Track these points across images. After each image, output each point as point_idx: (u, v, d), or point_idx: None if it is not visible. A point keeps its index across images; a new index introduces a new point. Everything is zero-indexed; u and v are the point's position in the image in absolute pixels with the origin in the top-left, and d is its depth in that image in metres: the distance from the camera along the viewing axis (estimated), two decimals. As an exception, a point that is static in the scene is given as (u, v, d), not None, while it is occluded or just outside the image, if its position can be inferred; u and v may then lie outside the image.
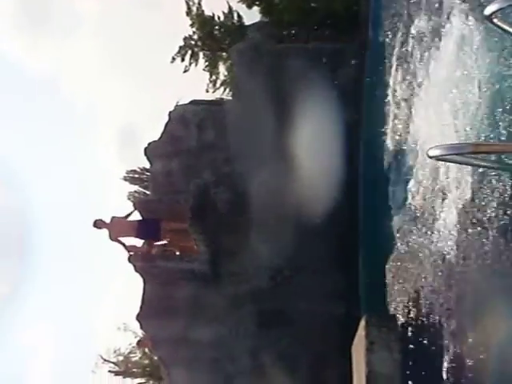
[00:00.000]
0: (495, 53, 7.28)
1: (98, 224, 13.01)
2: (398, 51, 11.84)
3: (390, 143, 11.80)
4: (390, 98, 12.08)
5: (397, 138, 11.42)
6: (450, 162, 2.54)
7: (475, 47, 7.80)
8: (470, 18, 8.15)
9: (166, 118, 14.69)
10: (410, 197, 10.15)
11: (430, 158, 2.83)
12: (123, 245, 13.22)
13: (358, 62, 13.85)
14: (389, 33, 12.56)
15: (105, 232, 13.06)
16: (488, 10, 2.60)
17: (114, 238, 13.07)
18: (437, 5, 9.91)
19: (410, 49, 11.29)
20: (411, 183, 10.19)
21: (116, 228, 13.04)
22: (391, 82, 12.17)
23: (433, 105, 9.48)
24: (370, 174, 12.89)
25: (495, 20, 2.75)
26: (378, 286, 11.29)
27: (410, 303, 9.10)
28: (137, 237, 13.39)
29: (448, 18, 9.20)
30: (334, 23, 14.44)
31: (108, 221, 13.07)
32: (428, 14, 10.38)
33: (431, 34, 10.07)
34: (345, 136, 12.83)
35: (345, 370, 9.03)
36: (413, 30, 11.14)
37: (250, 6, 15.93)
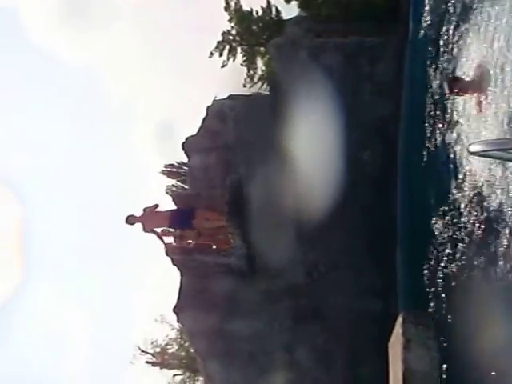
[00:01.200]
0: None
1: (130, 220, 13.15)
2: (440, 45, 11.60)
3: (429, 138, 11.60)
4: (431, 92, 11.86)
5: (437, 133, 11.22)
6: (491, 157, 2.51)
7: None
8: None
9: (204, 113, 14.81)
10: (450, 193, 9.98)
11: (471, 154, 2.78)
12: (158, 235, 13.33)
13: (398, 56, 13.65)
14: (430, 26, 12.33)
15: (138, 226, 13.21)
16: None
17: (148, 229, 13.20)
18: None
19: (452, 42, 11.06)
20: (452, 179, 10.01)
21: (149, 219, 13.13)
22: (432, 77, 11.95)
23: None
24: (408, 170, 12.71)
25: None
26: (416, 284, 11.15)
27: (448, 301, 8.97)
28: (170, 226, 13.45)
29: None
30: (372, 16, 14.22)
31: (140, 214, 13.18)
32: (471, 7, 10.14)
33: (474, 28, 9.84)
34: (383, 130, 12.68)
35: (381, 368, 8.95)
36: (456, 24, 10.91)
37: (288, 1, 15.87)
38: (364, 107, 12.76)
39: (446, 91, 7.69)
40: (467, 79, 7.99)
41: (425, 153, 11.34)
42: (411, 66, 13.23)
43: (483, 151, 2.67)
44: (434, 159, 10.84)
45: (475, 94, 7.56)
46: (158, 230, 13.41)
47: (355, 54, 13.90)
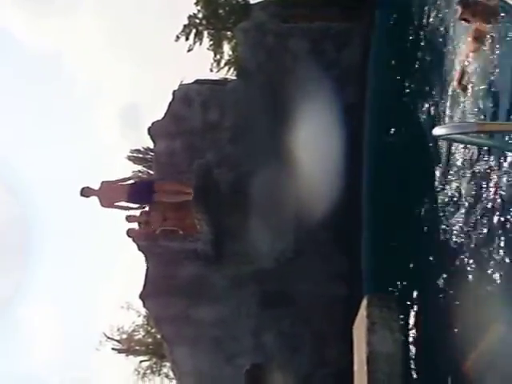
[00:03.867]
0: None
1: (86, 192, 12.38)
2: (407, 32, 11.70)
3: (395, 127, 11.74)
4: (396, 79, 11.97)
5: (403, 120, 11.35)
6: (454, 141, 2.53)
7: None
8: None
9: (170, 98, 14.63)
10: (416, 177, 10.13)
11: (435, 137, 2.80)
12: (118, 207, 12.85)
13: (365, 42, 13.72)
14: (397, 13, 12.42)
15: (95, 200, 12.49)
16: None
17: (105, 204, 12.59)
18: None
19: (418, 30, 11.17)
20: (418, 165, 10.16)
21: (106, 193, 12.42)
22: (397, 64, 12.06)
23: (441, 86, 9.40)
24: (374, 159, 12.84)
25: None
26: (381, 267, 11.33)
27: (412, 283, 9.14)
28: (129, 201, 12.82)
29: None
30: (339, 3, 14.25)
31: (97, 187, 12.50)
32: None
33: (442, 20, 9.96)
34: (347, 117, 12.73)
35: (346, 350, 9.10)
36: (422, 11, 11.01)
37: (254, -15, 15.75)
38: (329, 93, 12.78)
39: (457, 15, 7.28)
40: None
41: (391, 139, 11.47)
42: (377, 51, 13.32)
43: (446, 134, 2.69)
44: (399, 144, 10.97)
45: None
46: (118, 203, 12.87)
47: (321, 40, 13.92)
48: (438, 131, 2.73)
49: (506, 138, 2.96)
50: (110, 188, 12.56)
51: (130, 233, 13.14)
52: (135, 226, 13.61)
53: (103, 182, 12.66)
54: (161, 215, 13.34)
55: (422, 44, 10.95)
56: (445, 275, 8.06)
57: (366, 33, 13.87)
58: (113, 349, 22.43)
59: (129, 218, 13.50)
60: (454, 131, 2.81)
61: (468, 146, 6.51)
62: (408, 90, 11.23)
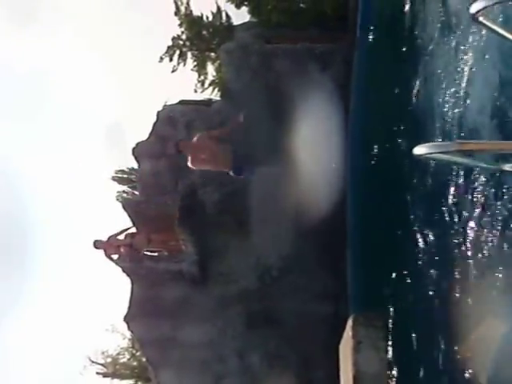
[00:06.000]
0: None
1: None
2: (387, 51, 11.88)
3: (377, 144, 11.84)
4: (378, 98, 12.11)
5: (385, 138, 11.46)
6: (435, 160, 2.54)
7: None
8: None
9: (154, 118, 14.65)
10: (399, 194, 10.20)
11: (416, 156, 2.82)
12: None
13: (347, 63, 13.88)
14: (377, 33, 12.61)
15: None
16: (473, 8, 2.56)
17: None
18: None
19: (399, 48, 11.34)
20: (399, 184, 10.23)
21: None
22: (380, 83, 12.21)
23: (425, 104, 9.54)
24: (358, 176, 12.91)
25: (481, 19, 2.74)
26: (367, 286, 11.32)
27: (398, 303, 9.14)
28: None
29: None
30: (322, 24, 14.43)
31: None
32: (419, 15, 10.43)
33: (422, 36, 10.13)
34: (332, 137, 12.81)
35: (333, 371, 9.04)
36: (402, 30, 11.19)
37: (238, 6, 15.89)
38: (314, 113, 12.87)
39: None
40: None
41: (374, 159, 11.55)
42: (359, 72, 13.48)
43: (427, 154, 2.70)
44: (381, 163, 11.05)
45: None
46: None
47: (305, 60, 14.05)
48: (418, 150, 2.75)
49: (487, 157, 3.00)
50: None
51: (97, 244, 13.20)
52: (116, 247, 13.58)
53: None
54: (145, 238, 13.32)
55: (404, 62, 11.11)
56: (432, 292, 8.08)
57: (348, 53, 14.04)
58: (97, 373, 22.08)
59: (112, 241, 13.44)
60: (434, 150, 2.82)
61: (449, 164, 6.60)
62: (390, 111, 11.37)
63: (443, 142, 2.86)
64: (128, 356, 22.20)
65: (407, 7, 11.12)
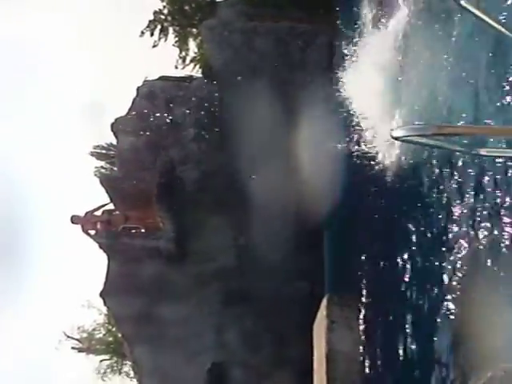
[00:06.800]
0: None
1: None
2: (368, 33, 11.83)
3: (355, 128, 11.82)
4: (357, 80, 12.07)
5: (363, 121, 11.48)
6: (413, 143, 2.55)
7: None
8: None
9: (134, 94, 14.46)
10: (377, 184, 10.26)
11: (394, 139, 2.82)
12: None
13: (329, 43, 13.81)
14: (360, 15, 12.53)
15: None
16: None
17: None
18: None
19: (380, 32, 11.30)
20: (376, 168, 10.28)
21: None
22: (360, 65, 12.17)
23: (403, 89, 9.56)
24: (336, 160, 12.88)
25: (463, 3, 2.74)
26: (342, 267, 11.43)
27: (372, 284, 9.25)
28: None
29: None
30: (305, 4, 14.31)
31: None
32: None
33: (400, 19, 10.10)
34: (308, 117, 12.76)
35: (307, 349, 9.16)
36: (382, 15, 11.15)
37: (222, -17, 15.66)
38: (292, 91, 12.82)
39: None
40: None
41: (349, 138, 11.55)
42: (340, 53, 13.41)
43: (405, 136, 2.70)
44: (357, 144, 11.07)
45: None
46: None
47: (287, 40, 13.95)
48: (397, 133, 2.74)
49: (464, 142, 3.02)
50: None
51: (74, 220, 13.32)
52: (93, 222, 13.57)
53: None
54: (123, 215, 13.28)
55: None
56: (405, 275, 8.19)
57: (330, 34, 13.96)
58: (73, 348, 22.03)
59: (89, 217, 13.38)
60: (412, 133, 2.82)
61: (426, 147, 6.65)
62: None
63: (422, 124, 2.86)
64: (104, 331, 22.15)
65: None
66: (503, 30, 2.81)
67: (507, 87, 5.82)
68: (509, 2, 5.69)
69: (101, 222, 13.38)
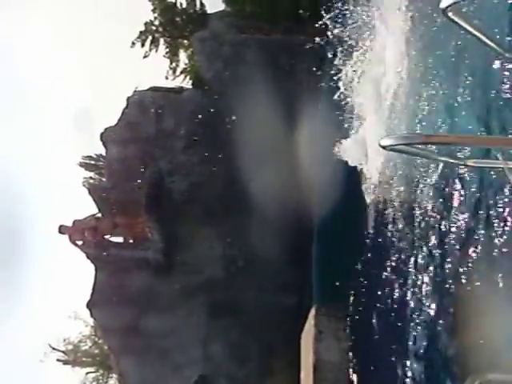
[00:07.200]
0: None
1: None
2: (358, 46, 11.94)
3: (346, 137, 11.88)
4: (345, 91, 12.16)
5: (351, 133, 11.55)
6: (401, 152, 2.56)
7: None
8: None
9: (124, 104, 14.46)
10: (363, 197, 10.31)
11: (382, 147, 2.83)
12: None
13: (319, 56, 13.91)
14: (349, 29, 12.65)
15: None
16: (443, 3, 2.59)
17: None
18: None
19: (368, 45, 11.41)
20: (364, 183, 10.33)
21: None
22: (349, 77, 12.26)
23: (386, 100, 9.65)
24: (325, 172, 12.92)
25: (450, 14, 2.78)
26: (330, 278, 11.42)
27: (359, 295, 9.25)
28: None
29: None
30: (296, 17, 14.45)
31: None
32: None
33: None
34: (298, 128, 12.81)
35: (294, 360, 9.12)
36: (374, 29, 11.27)
37: (213, -5, 15.79)
38: (282, 103, 12.87)
39: None
40: None
41: (339, 149, 11.59)
42: (329, 65, 13.52)
43: (393, 145, 2.71)
44: (347, 156, 11.12)
45: None
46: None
47: (277, 53, 14.05)
48: (384, 142, 2.75)
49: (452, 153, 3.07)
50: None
51: (62, 230, 13.23)
52: (81, 232, 13.46)
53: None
54: (111, 221, 13.20)
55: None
56: (391, 286, 8.21)
57: (320, 47, 14.07)
58: (58, 360, 21.77)
59: (77, 224, 13.31)
60: (400, 142, 2.83)
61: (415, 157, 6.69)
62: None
63: (409, 133, 2.88)
64: (90, 344, 21.92)
65: None
66: (491, 43, 2.84)
67: (492, 100, 5.89)
68: (496, 14, 5.78)
69: (88, 229, 13.30)
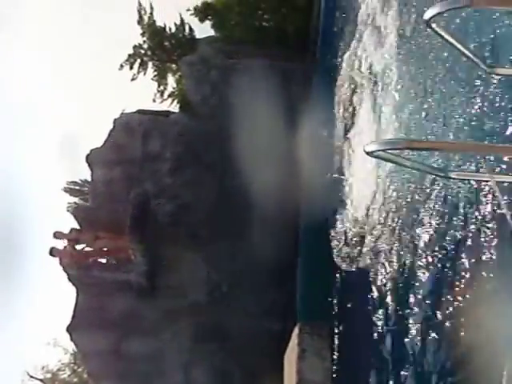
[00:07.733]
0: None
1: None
2: (345, 72, 12.12)
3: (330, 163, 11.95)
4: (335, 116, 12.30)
5: (337, 157, 11.64)
6: (384, 159, 2.56)
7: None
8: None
9: (111, 126, 14.45)
10: (346, 218, 10.33)
11: (367, 154, 2.83)
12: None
13: (306, 81, 14.09)
14: (336, 54, 12.85)
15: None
16: (427, 15, 2.62)
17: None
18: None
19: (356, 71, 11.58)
20: (348, 205, 10.36)
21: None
22: (337, 104, 12.41)
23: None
24: (311, 196, 12.95)
25: (434, 25, 2.81)
26: (313, 298, 11.34)
27: (343, 314, 9.18)
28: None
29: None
30: (284, 42, 14.66)
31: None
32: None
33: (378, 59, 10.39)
34: (287, 152, 12.88)
35: (277, 381, 8.96)
36: (360, 53, 11.46)
37: (202, 20, 15.99)
38: (273, 127, 12.94)
39: None
40: None
41: (327, 171, 11.65)
42: (318, 91, 13.69)
43: (377, 150, 2.71)
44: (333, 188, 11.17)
45: None
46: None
47: (265, 78, 14.16)
48: (369, 147, 2.76)
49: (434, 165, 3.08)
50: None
51: (53, 252, 12.96)
52: (62, 243, 13.23)
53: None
54: (93, 234, 13.00)
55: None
56: (375, 305, 8.15)
57: (308, 72, 14.26)
58: (36, 389, 21.23)
59: (56, 235, 13.12)
60: (384, 147, 2.83)
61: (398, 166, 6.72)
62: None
63: (393, 139, 2.89)
64: (69, 372, 21.46)
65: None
66: (472, 56, 2.87)
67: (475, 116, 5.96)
68: (478, 28, 5.89)
69: (69, 241, 13.10)
